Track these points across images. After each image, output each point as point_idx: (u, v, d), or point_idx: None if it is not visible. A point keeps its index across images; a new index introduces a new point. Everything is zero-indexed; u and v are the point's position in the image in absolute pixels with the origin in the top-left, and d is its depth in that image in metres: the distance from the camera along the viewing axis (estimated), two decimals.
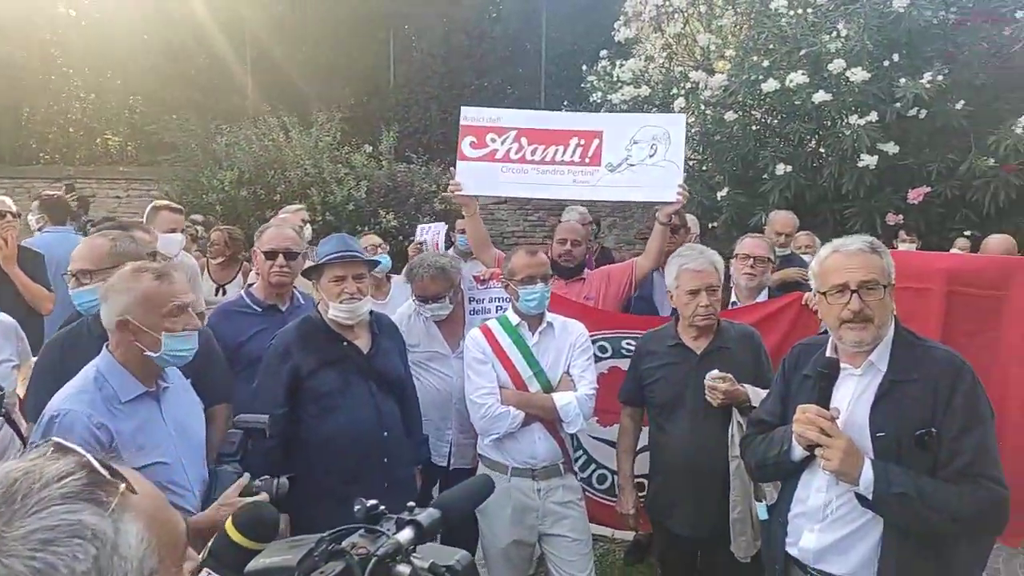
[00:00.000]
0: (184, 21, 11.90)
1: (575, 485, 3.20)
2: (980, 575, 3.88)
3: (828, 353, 2.20)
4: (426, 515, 1.30)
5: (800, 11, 6.78)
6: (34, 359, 2.89)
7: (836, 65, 6.15)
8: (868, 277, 2.07)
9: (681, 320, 3.07)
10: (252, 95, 12.00)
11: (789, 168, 6.62)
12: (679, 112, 7.36)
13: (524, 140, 3.88)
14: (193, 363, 2.34)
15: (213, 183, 9.12)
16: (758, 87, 6.62)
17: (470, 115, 3.94)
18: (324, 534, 1.20)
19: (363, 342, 2.92)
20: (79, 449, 0.85)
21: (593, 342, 3.58)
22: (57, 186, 9.31)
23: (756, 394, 2.83)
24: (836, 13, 6.58)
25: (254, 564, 1.21)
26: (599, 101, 8.49)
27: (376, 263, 3.38)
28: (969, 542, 2.11)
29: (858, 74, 6.06)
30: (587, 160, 3.86)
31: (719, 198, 7.25)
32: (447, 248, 5.63)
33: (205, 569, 1.25)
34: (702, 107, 7.31)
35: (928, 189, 6.28)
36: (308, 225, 5.19)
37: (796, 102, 6.46)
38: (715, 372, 2.87)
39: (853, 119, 6.20)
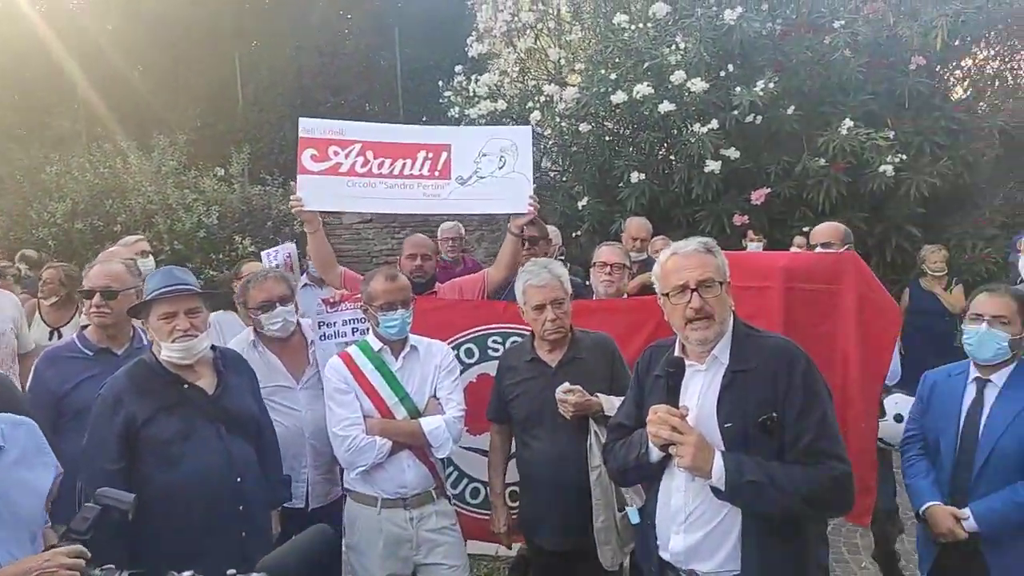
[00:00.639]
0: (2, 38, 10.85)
1: (448, 510, 3.11)
2: (826, 553, 4.17)
3: (676, 352, 2.26)
4: None
5: (641, 25, 7.09)
6: None
7: (677, 76, 6.47)
8: (705, 276, 2.14)
9: (536, 335, 3.08)
10: (84, 119, 11.08)
11: (642, 176, 6.88)
12: (536, 125, 7.51)
13: (370, 153, 3.76)
14: None
15: (44, 216, 8.37)
16: (608, 99, 6.85)
17: (309, 127, 3.76)
18: None
19: (207, 382, 2.68)
20: None
21: (459, 347, 3.56)
22: None
23: (610, 402, 2.87)
24: (674, 27, 6.93)
25: None
26: (457, 116, 8.51)
27: (213, 295, 3.15)
28: (816, 524, 2.22)
29: (698, 84, 6.41)
30: (437, 174, 3.79)
31: (580, 207, 7.42)
32: (302, 273, 5.43)
33: None
34: (557, 119, 7.47)
35: (768, 190, 6.70)
36: (150, 256, 4.82)
37: (644, 112, 6.73)
38: (565, 385, 2.88)
39: (696, 127, 6.54)
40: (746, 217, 6.76)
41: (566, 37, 8.28)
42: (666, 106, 6.50)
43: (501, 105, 7.66)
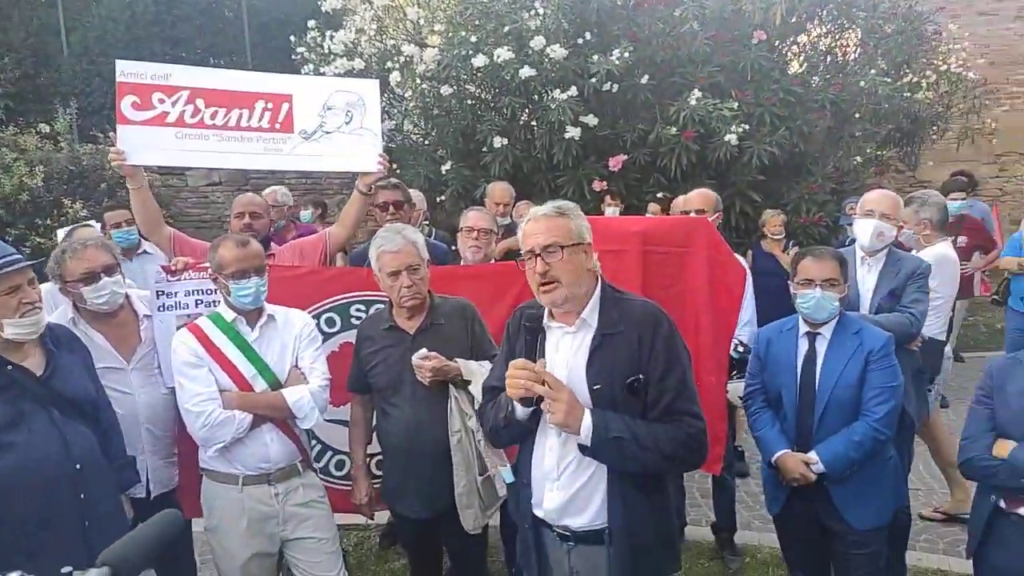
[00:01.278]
0: None
1: (316, 482, 3.03)
2: (683, 501, 4.44)
3: (545, 313, 2.30)
4: None
5: None
6: None
7: (537, 42, 6.50)
8: (548, 241, 2.17)
9: (393, 302, 3.03)
10: None
11: (505, 141, 6.89)
12: (396, 86, 7.31)
13: (200, 102, 3.47)
14: None
15: None
16: (469, 62, 6.77)
17: (129, 70, 3.40)
18: None
19: (35, 362, 2.42)
20: None
21: (320, 316, 3.44)
22: None
23: (469, 367, 2.89)
24: None
25: None
26: (311, 74, 8.09)
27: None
28: (673, 478, 2.35)
29: (557, 51, 6.47)
30: (278, 126, 3.59)
31: (443, 172, 7.33)
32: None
33: None
34: (418, 81, 7.30)
35: (625, 157, 6.91)
36: None
37: (505, 77, 6.71)
38: (422, 352, 2.88)
39: (556, 93, 6.61)
40: (605, 183, 6.95)
41: None
42: (527, 71, 6.52)
43: (359, 64, 7.37)
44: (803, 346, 3.00)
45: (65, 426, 2.42)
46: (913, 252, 4.05)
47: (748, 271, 3.90)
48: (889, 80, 7.55)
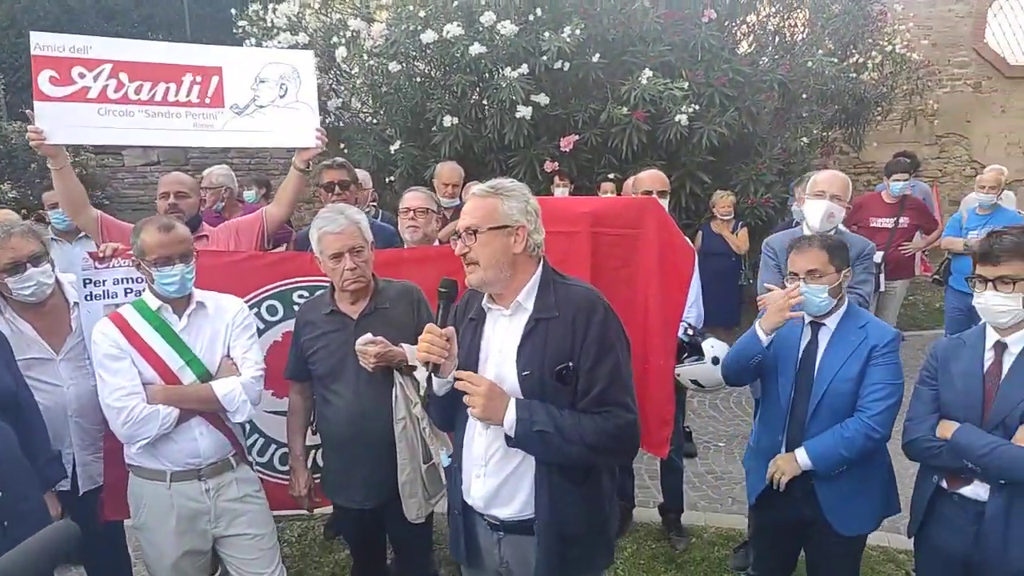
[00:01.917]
0: None
1: (250, 476, 2.90)
2: (632, 485, 4.43)
3: (486, 295, 2.23)
4: None
5: None
6: None
7: (487, 18, 6.36)
8: (469, 222, 2.11)
9: (336, 286, 2.91)
10: None
11: (456, 120, 6.75)
12: (342, 62, 7.09)
13: (124, 76, 3.27)
14: None
15: None
16: (417, 38, 6.60)
17: (45, 43, 3.17)
18: None
19: None
20: None
21: (260, 304, 3.29)
22: None
23: (414, 352, 2.79)
24: None
25: None
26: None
27: None
28: (608, 470, 2.29)
29: (507, 27, 6.33)
30: (208, 101, 3.40)
31: (392, 152, 7.16)
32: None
33: None
34: (365, 57, 7.09)
35: (576, 137, 6.84)
36: None
37: (455, 54, 6.56)
38: (366, 336, 2.77)
39: (507, 71, 6.48)
40: (556, 164, 6.87)
41: None
42: (477, 48, 6.38)
43: (303, 39, 7.14)
44: (806, 336, 2.88)
45: None
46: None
47: (695, 252, 3.87)
48: (836, 60, 7.63)
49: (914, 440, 2.59)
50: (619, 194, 5.83)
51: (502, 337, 2.18)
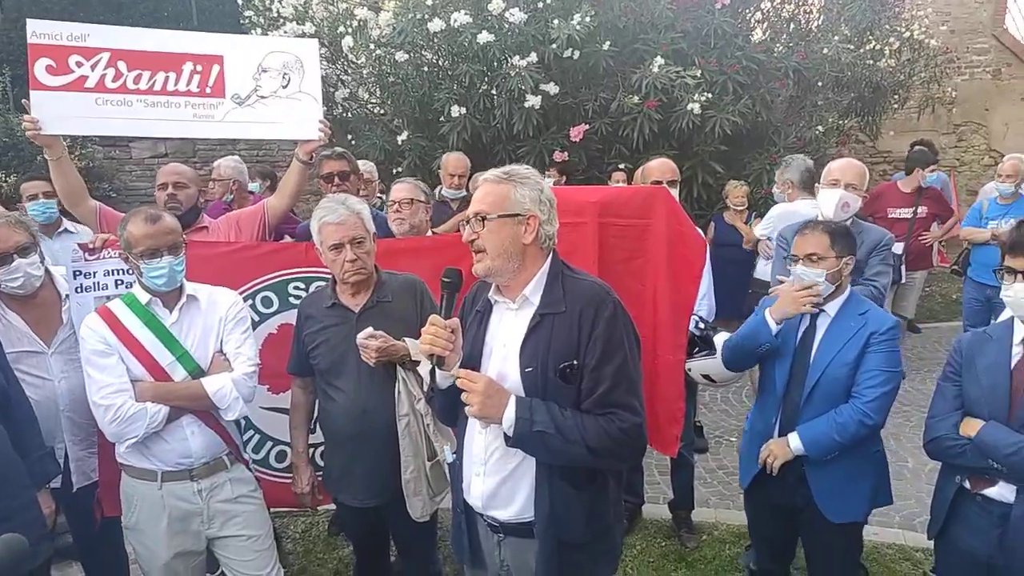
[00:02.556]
0: None
1: (246, 476, 2.82)
2: (640, 481, 4.34)
3: (493, 287, 2.14)
4: None
5: None
6: None
7: (495, 6, 6.22)
8: (478, 208, 2.02)
9: (337, 278, 2.83)
10: None
11: (464, 110, 6.63)
12: (348, 52, 7.00)
13: (122, 65, 3.19)
14: None
15: None
16: (425, 27, 6.49)
17: (42, 30, 3.10)
18: None
19: None
20: None
21: (255, 295, 3.22)
22: None
23: (417, 347, 2.71)
24: None
25: None
26: None
27: None
28: (615, 475, 2.18)
29: (516, 15, 6.21)
30: (208, 91, 3.32)
31: (400, 142, 7.07)
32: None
33: None
34: (372, 47, 6.99)
35: (587, 126, 6.70)
36: None
37: (463, 43, 6.44)
38: (367, 331, 2.69)
39: (516, 60, 6.36)
40: (566, 154, 6.76)
41: None
42: (485, 36, 6.26)
43: (309, 28, 7.04)
44: (804, 322, 2.87)
45: None
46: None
47: (707, 243, 3.76)
48: (852, 47, 7.45)
49: (937, 438, 2.48)
50: (630, 184, 5.71)
51: (507, 331, 2.09)
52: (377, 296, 2.82)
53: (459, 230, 4.50)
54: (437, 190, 5.50)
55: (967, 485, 2.46)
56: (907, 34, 8.66)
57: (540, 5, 6.52)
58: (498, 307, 2.14)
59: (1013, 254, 2.35)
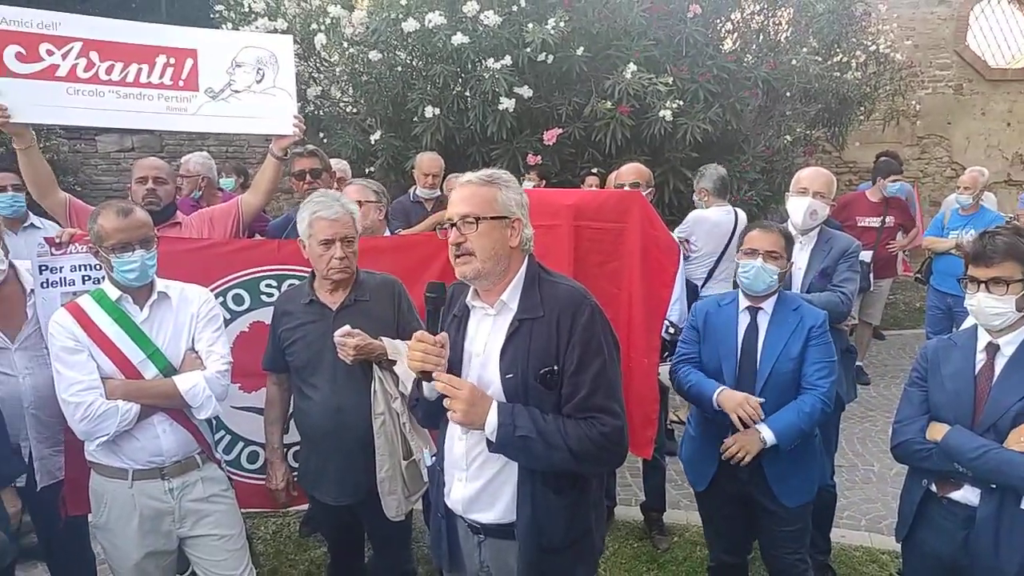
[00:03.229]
0: None
1: (218, 475, 2.78)
2: (614, 483, 4.37)
3: (471, 292, 2.13)
4: None
5: None
6: None
7: (470, 8, 6.23)
8: (466, 210, 2.00)
9: (316, 274, 2.81)
10: None
11: (437, 111, 6.61)
12: (321, 49, 6.94)
13: (95, 55, 3.15)
14: None
15: None
16: (399, 26, 6.46)
17: (12, 17, 3.04)
18: None
19: None
20: None
21: (226, 293, 3.19)
22: None
23: (395, 346, 2.71)
24: None
25: None
26: None
27: None
28: (597, 479, 2.20)
29: (491, 18, 6.22)
30: (182, 84, 3.30)
31: (373, 142, 7.03)
32: None
33: None
34: (345, 45, 6.93)
35: (560, 130, 6.73)
36: None
37: (437, 44, 6.43)
38: (344, 328, 2.68)
39: (490, 62, 6.36)
40: (539, 157, 6.77)
41: None
42: (459, 38, 6.25)
43: (281, 24, 6.96)
44: (744, 320, 2.96)
45: None
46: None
47: (680, 247, 3.80)
48: (820, 59, 7.59)
49: (904, 442, 2.54)
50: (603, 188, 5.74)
51: (486, 337, 2.08)
52: (355, 294, 2.81)
53: (434, 230, 4.51)
54: (412, 190, 5.48)
55: (933, 488, 2.51)
56: (873, 48, 8.85)
57: (515, 9, 6.54)
58: (475, 312, 2.13)
59: (976, 264, 2.41)
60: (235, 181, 7.05)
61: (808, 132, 8.75)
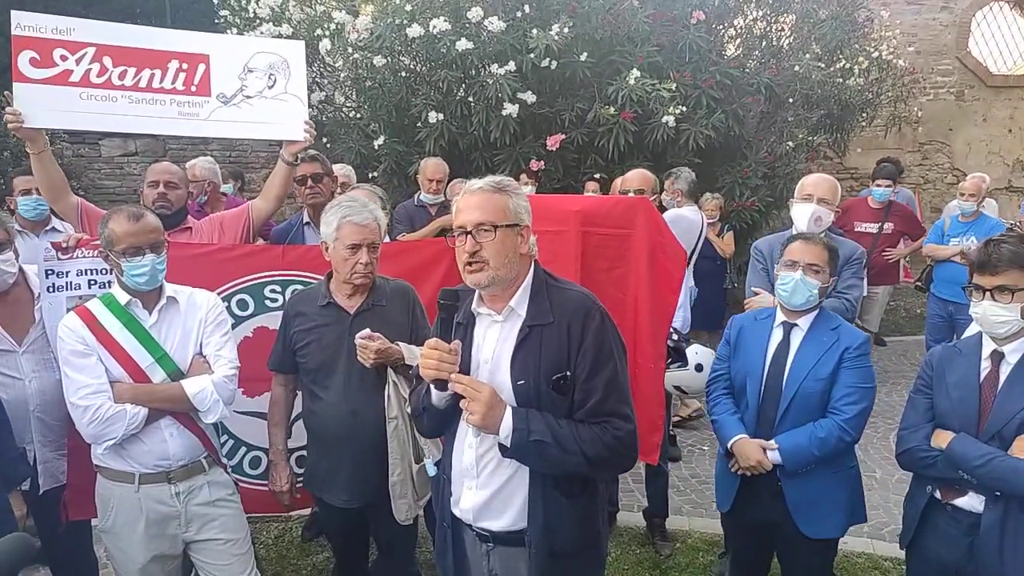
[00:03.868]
0: None
1: (224, 479, 2.79)
2: (616, 489, 4.37)
3: (475, 297, 2.12)
4: None
5: None
6: None
7: (474, 13, 6.26)
8: (482, 218, 1.99)
9: (335, 277, 2.82)
10: None
11: (441, 116, 6.64)
12: (326, 55, 6.97)
13: (108, 60, 3.16)
14: None
15: None
16: (403, 32, 6.49)
17: (27, 22, 3.05)
18: None
19: None
20: None
21: (230, 298, 3.19)
22: None
23: (411, 351, 2.72)
24: None
25: None
26: None
27: None
28: (604, 483, 2.21)
29: (495, 23, 6.25)
30: (194, 89, 3.31)
31: (377, 147, 7.05)
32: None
33: None
34: (350, 50, 6.96)
35: (563, 136, 6.76)
36: None
37: (441, 49, 6.46)
38: (365, 331, 2.70)
39: (494, 68, 6.39)
40: (542, 163, 6.79)
41: None
42: (464, 44, 6.28)
43: (286, 30, 6.99)
44: (776, 335, 2.86)
45: None
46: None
47: (686, 254, 3.82)
48: (822, 65, 7.61)
49: (908, 450, 2.54)
50: (605, 194, 5.76)
51: (494, 344, 2.08)
52: (372, 299, 2.82)
53: (438, 235, 4.53)
54: (416, 195, 5.50)
55: (938, 495, 2.51)
56: (875, 54, 8.88)
57: (519, 15, 6.57)
58: (482, 319, 2.13)
59: (981, 272, 2.42)
60: (233, 186, 7.07)
61: (810, 138, 8.75)
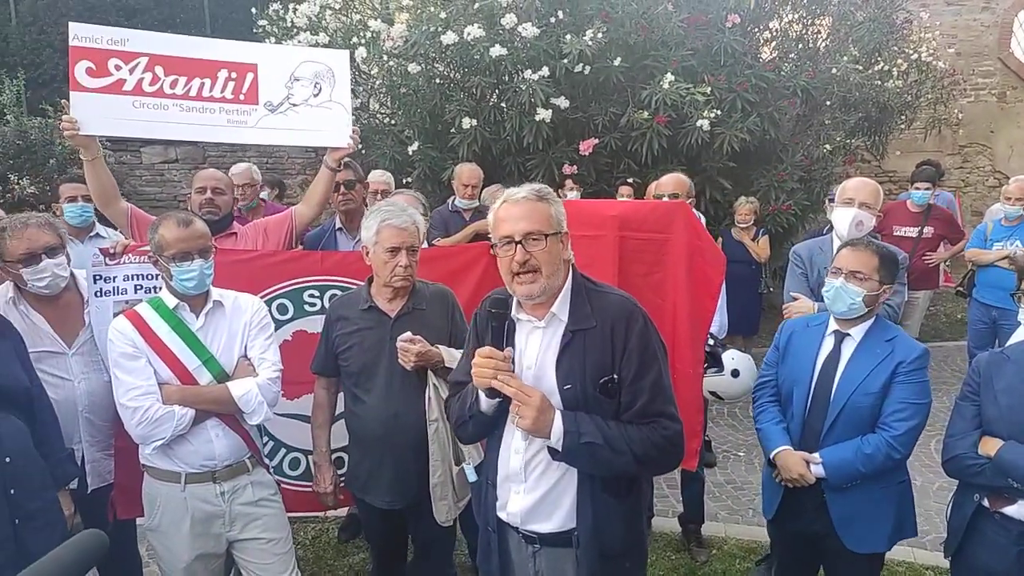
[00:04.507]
0: None
1: (267, 480, 2.84)
2: (652, 492, 4.33)
3: (514, 303, 2.13)
4: None
5: None
6: None
7: (508, 20, 6.30)
8: (531, 228, 2.00)
9: (375, 281, 2.86)
10: None
11: (474, 122, 6.69)
12: (362, 63, 7.06)
13: (160, 69, 3.25)
14: None
15: None
16: (438, 39, 6.55)
17: (83, 34, 3.15)
18: None
19: None
20: None
21: (271, 302, 3.24)
22: None
23: (451, 354, 2.75)
24: None
25: None
26: None
27: None
28: (648, 484, 2.22)
29: (529, 29, 6.28)
30: (242, 97, 3.38)
31: (411, 153, 7.13)
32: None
33: None
34: (385, 58, 7.05)
35: (596, 141, 6.76)
36: None
37: (475, 56, 6.51)
38: (407, 334, 2.73)
39: (527, 74, 6.42)
40: (575, 167, 6.80)
41: None
42: (497, 50, 6.32)
43: (323, 39, 7.10)
44: (827, 345, 2.76)
45: None
46: None
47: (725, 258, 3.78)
48: (860, 68, 7.51)
49: (955, 457, 2.50)
50: (639, 198, 5.74)
51: (537, 349, 2.09)
52: (413, 303, 2.86)
53: (472, 240, 4.54)
54: (450, 200, 5.54)
55: (986, 503, 2.46)
56: (915, 56, 8.75)
57: (552, 20, 6.60)
58: (522, 325, 2.14)
59: None
60: (270, 193, 7.19)
61: (848, 141, 8.66)
